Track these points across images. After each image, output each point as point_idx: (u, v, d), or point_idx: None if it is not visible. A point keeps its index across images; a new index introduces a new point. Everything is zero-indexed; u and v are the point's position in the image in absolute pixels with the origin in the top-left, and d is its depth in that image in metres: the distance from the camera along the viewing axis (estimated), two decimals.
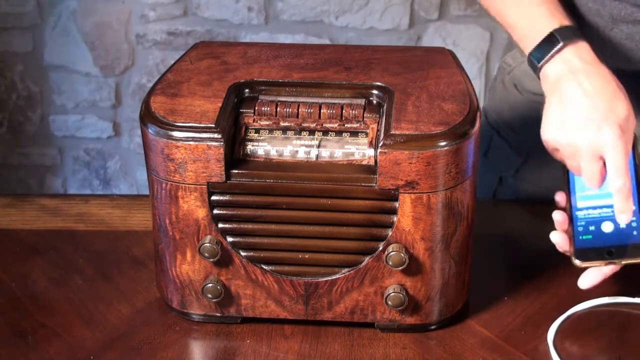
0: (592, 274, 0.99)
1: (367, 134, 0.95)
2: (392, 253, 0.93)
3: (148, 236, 1.10)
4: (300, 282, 0.96)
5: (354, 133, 0.95)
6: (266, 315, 0.99)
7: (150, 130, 0.93)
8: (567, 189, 1.02)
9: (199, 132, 0.92)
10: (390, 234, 0.94)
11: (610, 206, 1.00)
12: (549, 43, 1.04)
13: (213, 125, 0.92)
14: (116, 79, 2.41)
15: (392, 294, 0.95)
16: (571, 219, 1.01)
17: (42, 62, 2.38)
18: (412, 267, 0.95)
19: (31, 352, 0.97)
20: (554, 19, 1.05)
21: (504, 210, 1.22)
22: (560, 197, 1.03)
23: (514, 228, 1.17)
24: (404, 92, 0.97)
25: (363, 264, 0.95)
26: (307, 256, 0.96)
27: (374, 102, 0.98)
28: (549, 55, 1.03)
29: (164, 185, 0.94)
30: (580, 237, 1.00)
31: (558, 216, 1.01)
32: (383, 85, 0.99)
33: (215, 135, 0.91)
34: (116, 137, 2.48)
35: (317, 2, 2.29)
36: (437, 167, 0.91)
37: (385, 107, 0.96)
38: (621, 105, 1.00)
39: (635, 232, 0.99)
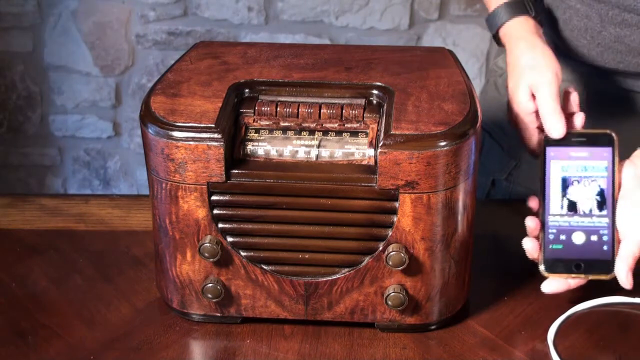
0: (558, 282, 1.00)
1: (367, 134, 0.95)
2: (392, 253, 0.93)
3: (148, 236, 1.10)
4: (300, 282, 0.96)
5: (354, 133, 0.95)
6: (266, 315, 0.99)
7: (150, 130, 0.93)
8: (542, 193, 1.02)
9: (199, 132, 0.92)
10: (390, 234, 0.94)
11: (584, 215, 1.00)
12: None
13: (213, 125, 0.92)
14: (116, 79, 2.41)
15: (392, 294, 0.95)
16: (543, 226, 1.01)
17: (42, 62, 2.39)
18: (412, 267, 0.95)
19: (31, 352, 0.97)
20: None
21: (504, 210, 1.22)
22: (533, 203, 1.03)
23: (514, 228, 1.17)
24: (404, 92, 0.97)
25: (363, 264, 0.95)
26: (307, 256, 0.96)
27: (374, 102, 0.98)
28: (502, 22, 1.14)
29: (164, 185, 0.94)
30: (551, 247, 1.00)
31: (530, 222, 1.02)
32: (383, 85, 0.99)
33: (215, 135, 0.91)
34: (116, 137, 2.48)
35: (317, 2, 2.29)
36: (437, 167, 0.91)
37: (385, 107, 0.96)
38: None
39: (605, 247, 0.99)
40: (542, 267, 1.00)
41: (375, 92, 0.99)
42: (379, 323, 0.99)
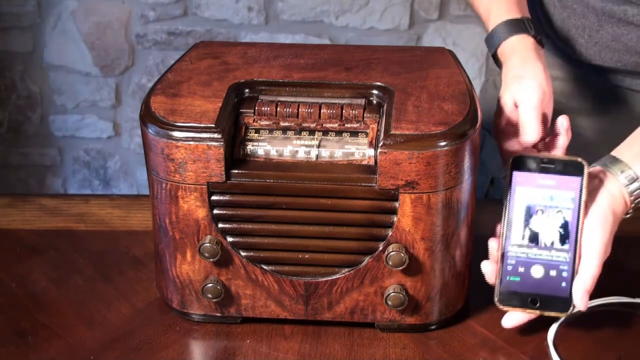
0: (517, 316, 0.97)
1: (367, 134, 0.95)
2: (392, 253, 0.93)
3: (148, 236, 1.10)
4: (300, 282, 0.96)
5: (354, 133, 0.95)
6: (266, 315, 0.99)
7: (150, 130, 0.93)
8: (505, 220, 0.97)
9: (199, 132, 0.92)
10: (390, 234, 0.94)
11: (545, 247, 0.96)
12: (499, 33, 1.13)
13: (213, 125, 0.92)
14: (116, 79, 2.41)
15: (392, 294, 0.95)
16: (502, 255, 0.97)
17: (42, 62, 2.39)
18: (412, 267, 0.95)
19: (31, 352, 0.97)
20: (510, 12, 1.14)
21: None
22: (493, 243, 0.98)
23: None
24: (404, 92, 0.97)
25: (363, 264, 0.95)
26: (307, 256, 0.96)
27: (374, 102, 0.98)
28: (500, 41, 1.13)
29: (164, 185, 0.94)
30: (508, 278, 0.96)
31: (493, 244, 0.98)
32: (383, 85, 0.99)
33: (215, 135, 0.91)
34: (116, 137, 2.48)
35: (317, 2, 2.29)
36: (437, 167, 0.91)
37: (385, 107, 0.96)
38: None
39: (563, 284, 0.95)
40: (496, 299, 0.97)
41: (375, 92, 0.99)
42: (379, 323, 0.99)
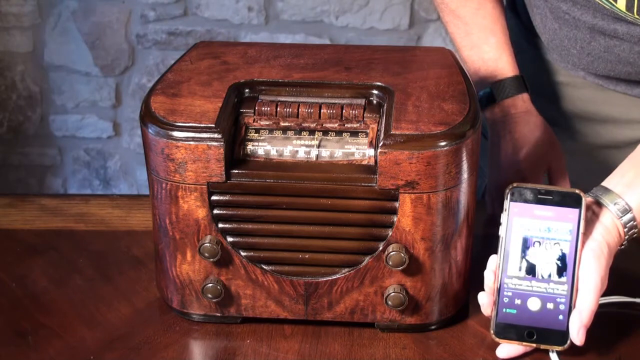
0: (512, 347, 0.96)
1: (367, 134, 0.95)
2: (392, 253, 0.93)
3: (148, 236, 1.10)
4: (300, 282, 0.96)
5: (354, 133, 0.95)
6: (266, 315, 0.99)
7: (150, 130, 0.93)
8: (502, 252, 0.96)
9: (199, 132, 0.92)
10: (390, 234, 0.94)
11: (542, 280, 0.94)
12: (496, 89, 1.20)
13: (213, 125, 0.92)
14: (116, 79, 2.41)
15: (392, 294, 0.95)
16: (499, 286, 0.95)
17: (42, 62, 2.39)
18: (412, 267, 0.95)
19: (31, 352, 0.97)
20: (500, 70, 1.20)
21: None
22: (489, 274, 0.97)
23: None
24: (404, 92, 0.97)
25: (363, 264, 0.95)
26: (307, 256, 0.96)
27: (374, 102, 0.98)
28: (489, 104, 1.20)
29: (164, 185, 0.94)
30: (504, 310, 0.95)
31: (489, 276, 0.96)
32: (383, 85, 0.99)
33: (215, 135, 0.91)
34: (116, 137, 2.48)
35: (317, 2, 2.29)
36: (437, 167, 0.91)
37: (385, 107, 0.96)
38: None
39: (561, 317, 0.94)
40: (492, 331, 0.95)
41: (375, 92, 0.99)
42: (379, 323, 0.99)
